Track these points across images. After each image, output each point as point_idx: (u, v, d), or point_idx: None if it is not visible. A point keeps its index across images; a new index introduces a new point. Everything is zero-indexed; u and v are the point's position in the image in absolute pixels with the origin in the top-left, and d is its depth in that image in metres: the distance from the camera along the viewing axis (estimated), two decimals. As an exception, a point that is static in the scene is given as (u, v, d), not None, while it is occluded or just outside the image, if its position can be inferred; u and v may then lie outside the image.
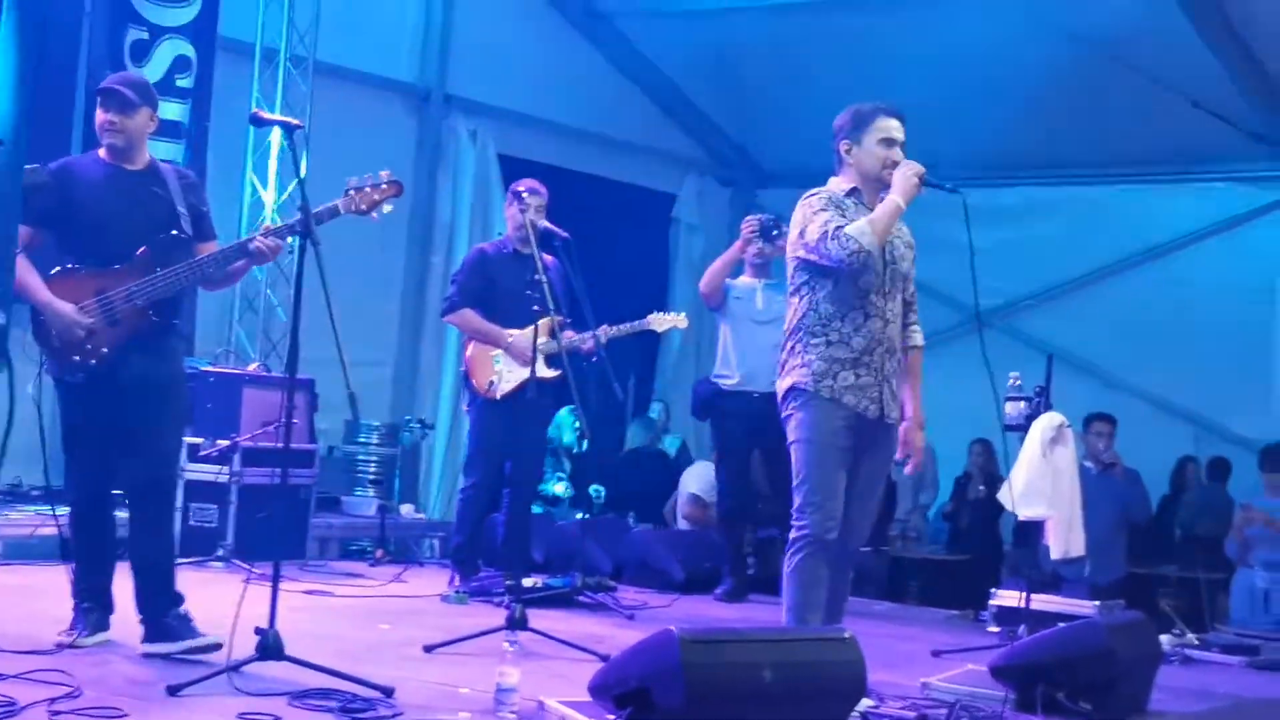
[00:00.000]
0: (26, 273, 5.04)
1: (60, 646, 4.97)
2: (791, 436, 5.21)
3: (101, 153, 5.27)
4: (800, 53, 11.39)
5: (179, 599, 5.14)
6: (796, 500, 5.15)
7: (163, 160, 5.54)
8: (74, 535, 5.28)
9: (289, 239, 5.21)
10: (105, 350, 5.07)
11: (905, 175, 5.18)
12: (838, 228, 5.10)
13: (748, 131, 13.33)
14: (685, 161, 13.37)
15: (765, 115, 12.47)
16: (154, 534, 5.21)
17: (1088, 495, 8.24)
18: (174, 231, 5.19)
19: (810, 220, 5.20)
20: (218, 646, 4.89)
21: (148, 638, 5.09)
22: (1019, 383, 7.11)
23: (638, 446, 11.39)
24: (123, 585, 5.21)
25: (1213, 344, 11.22)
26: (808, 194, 5.32)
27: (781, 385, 5.28)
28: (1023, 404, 7.04)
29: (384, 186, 5.40)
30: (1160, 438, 10.99)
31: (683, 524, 9.56)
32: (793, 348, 5.25)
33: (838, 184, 5.34)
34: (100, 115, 5.19)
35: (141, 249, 5.12)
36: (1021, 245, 12.17)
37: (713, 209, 13.53)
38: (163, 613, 5.10)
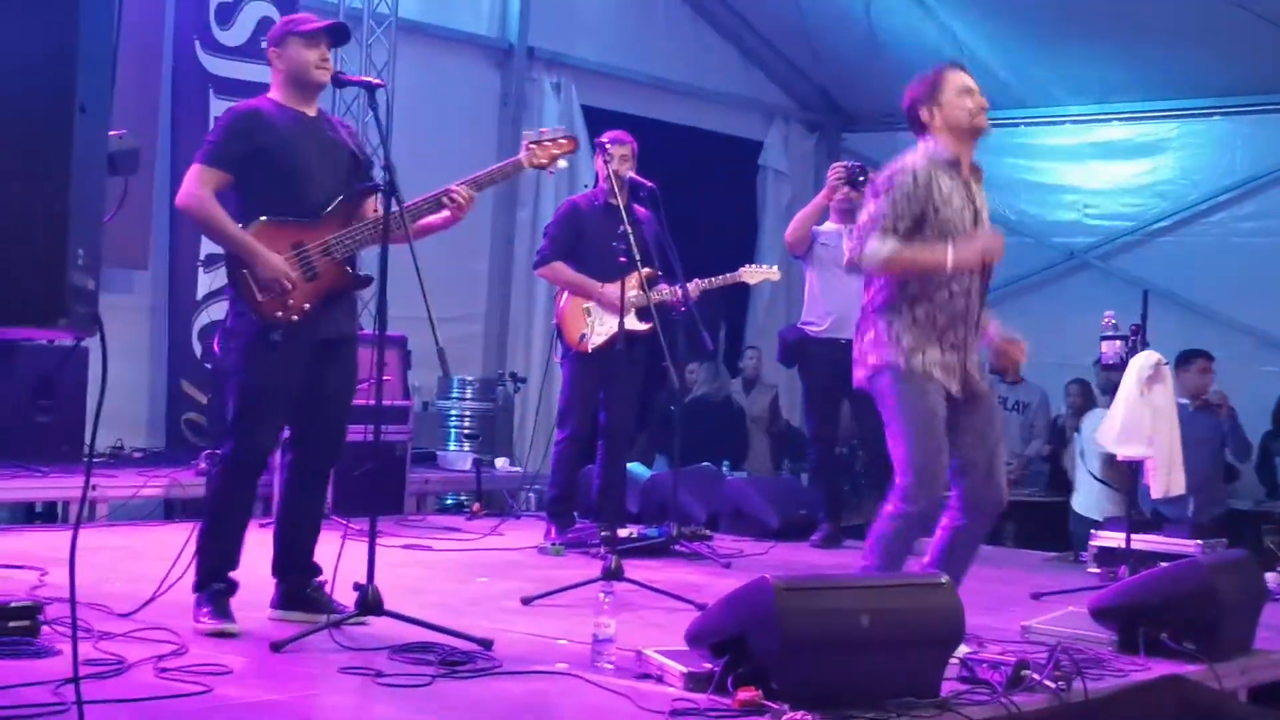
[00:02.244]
0: (225, 221, 4.87)
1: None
2: (887, 416, 5.07)
3: (276, 96, 5.05)
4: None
5: (318, 569, 5.07)
6: (900, 481, 4.99)
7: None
8: (222, 502, 4.98)
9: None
10: (307, 306, 4.88)
11: (976, 248, 5.00)
12: (863, 243, 4.96)
13: (831, 75, 13.22)
14: (770, 108, 13.28)
15: (848, 58, 12.36)
16: (318, 502, 5.18)
17: (1185, 433, 8.16)
18: (366, 182, 5.06)
19: (870, 202, 5.06)
20: (362, 622, 4.80)
21: (284, 604, 5.04)
22: (1114, 321, 7.01)
23: (701, 395, 11.35)
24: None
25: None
26: (896, 165, 5.09)
27: (866, 359, 5.13)
28: (1119, 343, 6.94)
29: (562, 141, 5.39)
30: (1264, 375, 10.80)
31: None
32: (877, 320, 5.11)
33: (936, 150, 5.09)
34: (318, 53, 4.98)
35: (337, 199, 4.98)
36: (1115, 181, 12.03)
37: (799, 155, 13.45)
38: (306, 583, 5.05)
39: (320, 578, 5.07)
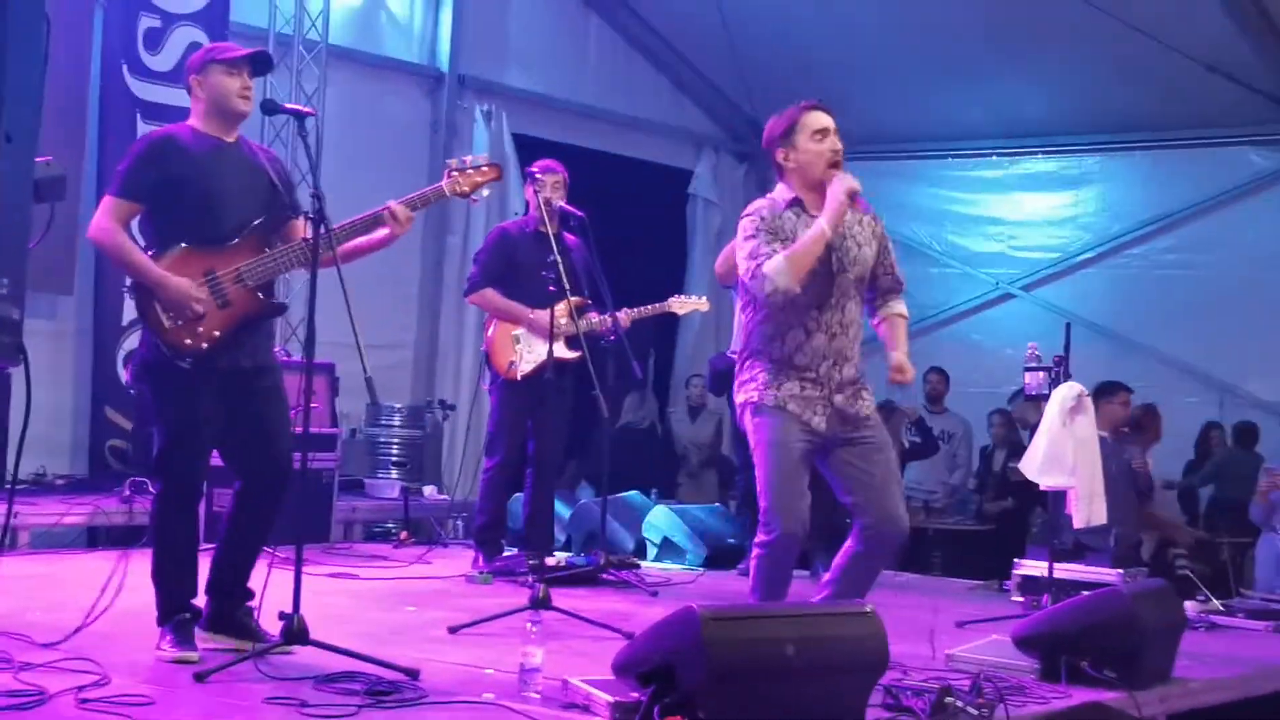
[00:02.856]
0: (131, 251, 4.84)
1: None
2: (752, 449, 5.22)
3: (195, 123, 4.99)
4: (812, 26, 11.37)
5: (251, 594, 5.00)
6: (762, 507, 5.14)
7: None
8: (165, 535, 4.95)
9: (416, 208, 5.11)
10: (217, 334, 4.83)
11: (835, 194, 5.07)
12: (758, 265, 5.04)
13: (761, 104, 13.25)
14: (700, 137, 13.37)
15: (779, 89, 12.36)
16: (263, 528, 5.06)
17: (1105, 466, 8.28)
18: (280, 209, 5.02)
19: (740, 248, 5.16)
20: (288, 651, 4.74)
21: (211, 626, 4.97)
22: (1038, 353, 7.10)
23: (626, 423, 11.39)
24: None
25: (1235, 309, 11.21)
26: (744, 212, 5.26)
27: (736, 399, 5.30)
28: (1042, 374, 7.02)
29: (484, 169, 5.35)
30: (1185, 404, 10.97)
31: None
32: (742, 366, 5.27)
33: (781, 192, 5.24)
34: (240, 82, 4.94)
35: (252, 225, 4.93)
36: (1040, 214, 12.18)
37: (728, 184, 13.54)
38: (237, 607, 4.99)
39: (251, 602, 5.03)
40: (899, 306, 5.44)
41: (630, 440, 11.18)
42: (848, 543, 5.25)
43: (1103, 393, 9.21)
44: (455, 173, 5.29)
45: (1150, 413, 9.55)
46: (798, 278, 5.02)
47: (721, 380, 8.58)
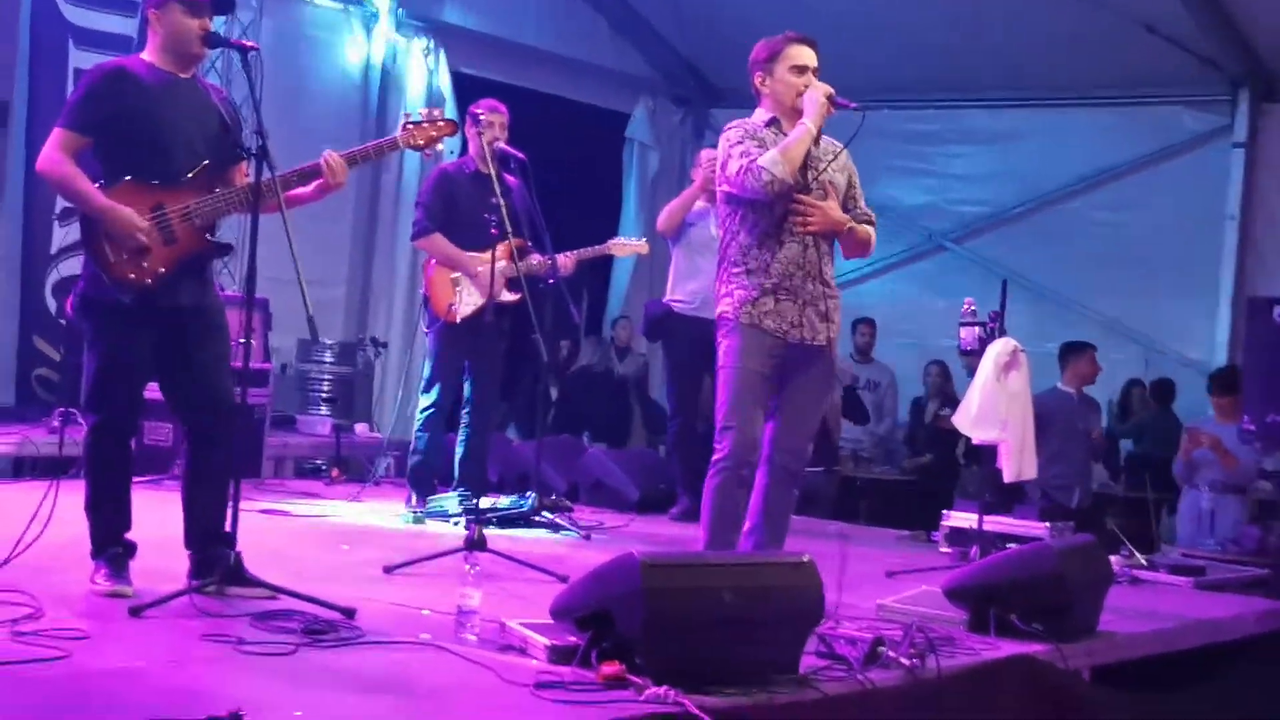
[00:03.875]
0: (77, 179, 4.78)
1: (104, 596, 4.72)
2: (718, 364, 5.44)
3: (149, 57, 4.92)
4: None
5: (231, 539, 4.85)
6: (717, 423, 5.38)
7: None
8: (99, 469, 4.92)
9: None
10: (162, 270, 4.79)
11: (813, 98, 5.34)
12: (751, 161, 5.26)
13: (700, 50, 13.27)
14: (638, 81, 13.29)
15: (717, 34, 12.39)
16: (217, 468, 4.98)
17: (1071, 422, 8.47)
18: (229, 149, 4.96)
19: (728, 154, 5.38)
20: (273, 597, 4.72)
21: (197, 574, 4.89)
22: (974, 308, 7.16)
23: (587, 365, 11.42)
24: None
25: (1163, 267, 11.33)
26: (727, 126, 5.51)
27: (715, 314, 5.53)
28: (977, 329, 7.09)
29: (441, 124, 5.42)
30: (1111, 361, 11.09)
31: None
32: (720, 279, 5.48)
33: (759, 115, 5.51)
34: (199, 23, 4.87)
35: (202, 164, 4.89)
36: (976, 168, 12.24)
37: (666, 128, 13.50)
38: (215, 552, 4.89)
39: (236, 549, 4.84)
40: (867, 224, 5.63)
41: (588, 384, 11.21)
42: (759, 479, 5.45)
43: (1071, 350, 9.40)
44: (411, 125, 5.34)
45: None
46: (791, 170, 5.26)
47: (656, 326, 8.61)
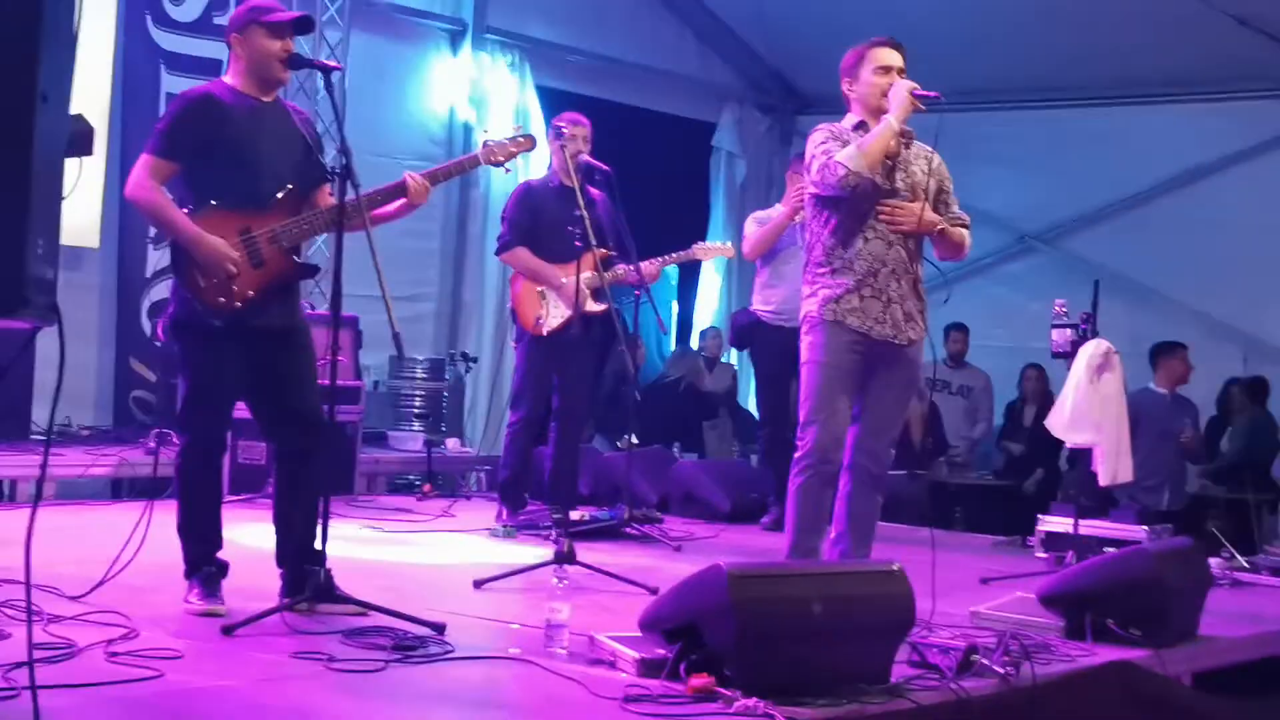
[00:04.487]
0: (167, 207, 4.84)
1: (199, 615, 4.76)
2: (802, 360, 5.46)
3: (233, 81, 4.98)
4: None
5: (321, 557, 4.86)
6: (800, 420, 5.41)
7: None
8: (190, 490, 4.99)
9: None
10: (251, 293, 4.85)
11: (896, 94, 5.34)
12: (830, 157, 5.28)
13: (785, 58, 13.23)
14: (724, 89, 13.27)
15: (803, 41, 12.35)
16: (308, 485, 5.01)
17: (1162, 424, 8.34)
18: (313, 172, 5.03)
19: (812, 155, 5.40)
20: (364, 613, 4.76)
21: (289, 592, 4.93)
22: (1065, 309, 7.07)
23: (677, 377, 11.41)
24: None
25: (1260, 264, 11.11)
26: (814, 129, 5.53)
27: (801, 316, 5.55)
28: (1069, 331, 7.00)
29: (520, 140, 5.50)
30: (1209, 360, 10.90)
31: None
32: (806, 279, 5.50)
33: (848, 120, 5.53)
34: (281, 44, 4.92)
35: (287, 188, 4.96)
36: (1067, 168, 12.08)
37: (752, 136, 13.46)
38: (307, 569, 4.89)
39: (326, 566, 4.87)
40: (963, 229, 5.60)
41: (666, 392, 11.20)
42: (841, 484, 5.46)
43: (1163, 351, 9.28)
44: (492, 144, 5.40)
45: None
46: (870, 164, 5.25)
47: (744, 335, 8.58)
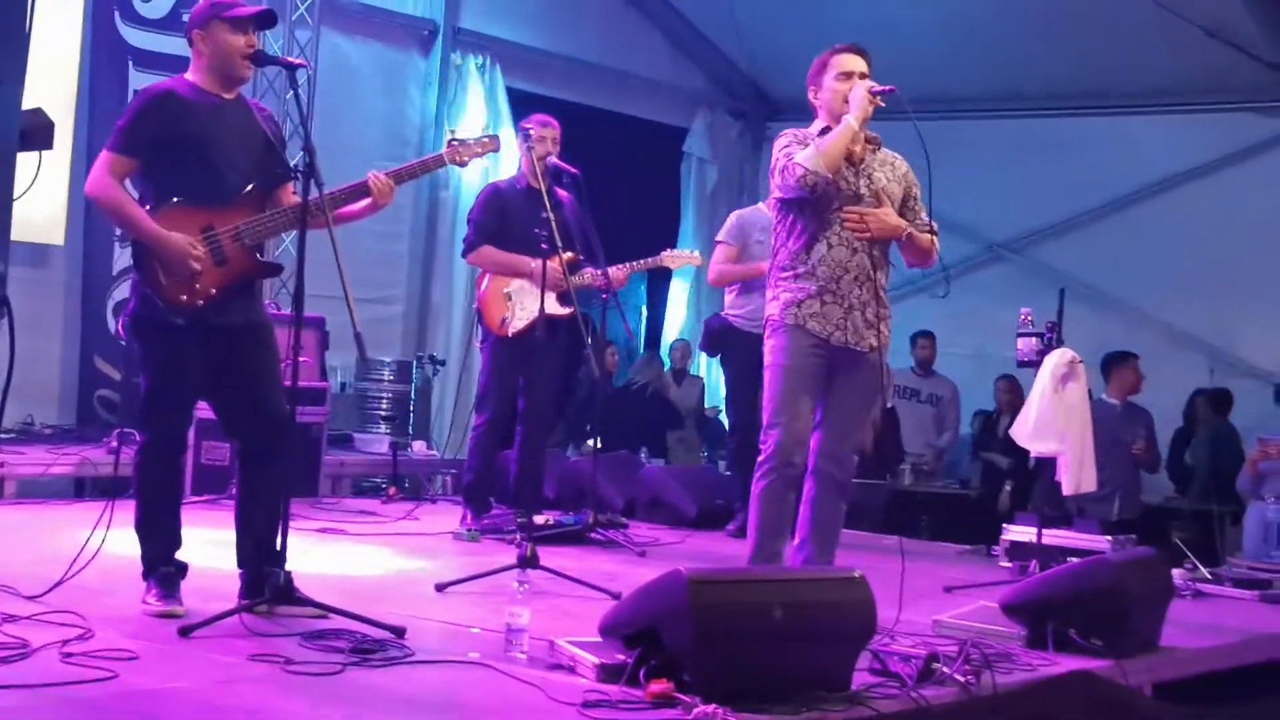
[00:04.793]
0: (128, 204, 4.81)
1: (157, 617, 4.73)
2: (765, 364, 5.47)
3: (194, 78, 4.93)
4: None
5: (282, 558, 4.78)
6: (763, 423, 5.41)
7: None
8: (149, 488, 4.94)
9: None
10: (213, 291, 4.80)
11: (855, 95, 5.34)
12: (789, 158, 5.29)
13: (758, 64, 13.24)
14: (696, 95, 13.28)
15: (775, 46, 12.35)
16: (270, 486, 4.95)
17: (1113, 433, 8.35)
18: (275, 169, 4.99)
19: (775, 159, 5.42)
20: (324, 616, 4.73)
21: (248, 594, 4.87)
22: (1030, 319, 7.08)
23: (644, 383, 11.42)
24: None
25: (1228, 275, 11.17)
26: (780, 134, 5.54)
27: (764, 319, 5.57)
28: (1034, 340, 7.01)
29: (485, 141, 5.52)
30: (1175, 370, 10.94)
31: None
32: (770, 283, 5.51)
33: (814, 126, 5.52)
34: (244, 39, 4.88)
35: (250, 185, 4.92)
36: (1036, 177, 12.11)
37: (724, 143, 13.47)
38: (266, 571, 4.84)
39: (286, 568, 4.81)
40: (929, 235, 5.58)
41: (633, 398, 11.19)
42: (805, 490, 5.46)
43: (1114, 360, 9.28)
44: (456, 143, 5.39)
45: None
46: (828, 164, 5.25)
47: (715, 340, 8.56)
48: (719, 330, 8.46)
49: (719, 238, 8.30)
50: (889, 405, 9.89)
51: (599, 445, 7.83)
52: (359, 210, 5.12)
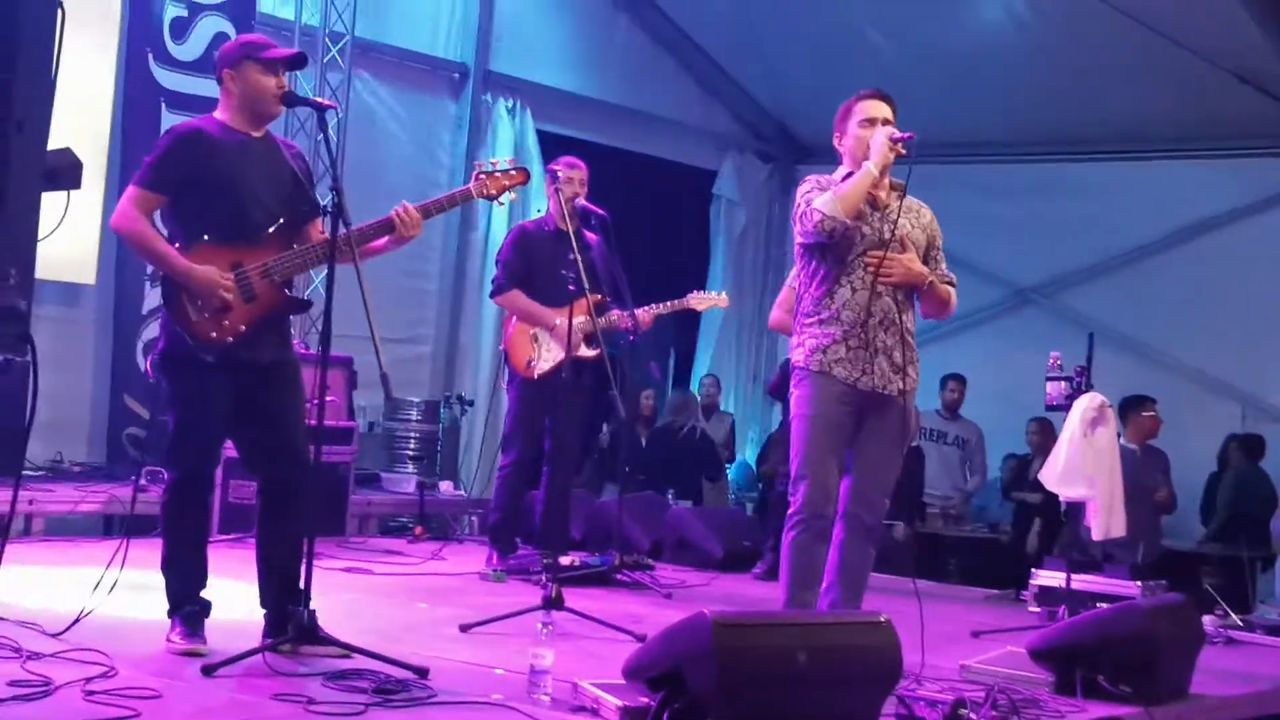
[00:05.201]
0: (154, 238, 4.83)
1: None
2: (791, 414, 5.40)
3: (223, 117, 4.96)
4: (838, 27, 11.34)
5: (305, 597, 4.76)
6: (791, 474, 5.32)
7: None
8: (175, 526, 4.94)
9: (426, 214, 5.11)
10: (243, 327, 4.81)
11: (875, 141, 5.29)
12: (808, 204, 5.25)
13: (786, 107, 13.28)
14: (725, 138, 13.31)
15: (803, 91, 12.39)
16: (291, 525, 4.94)
17: (1133, 478, 8.25)
18: (303, 206, 5.01)
19: (796, 204, 5.38)
20: (347, 656, 4.71)
21: (271, 632, 4.87)
22: (1060, 363, 7.05)
23: (670, 421, 11.39)
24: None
25: (1259, 321, 11.11)
26: (802, 180, 5.50)
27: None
28: (1064, 384, 6.97)
29: (513, 173, 5.40)
30: (1207, 416, 10.88)
31: None
32: (795, 329, 5.45)
33: (838, 172, 5.48)
34: (275, 81, 4.91)
35: (278, 222, 4.93)
36: (1065, 222, 12.08)
37: (753, 185, 13.49)
38: (290, 610, 4.80)
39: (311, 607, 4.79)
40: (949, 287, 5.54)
41: (667, 440, 11.14)
42: (835, 534, 5.36)
43: (1131, 405, 9.20)
44: (484, 175, 5.33)
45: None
46: (845, 210, 5.19)
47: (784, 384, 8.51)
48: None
49: (790, 282, 8.30)
50: (914, 444, 9.81)
51: (628, 487, 7.78)
52: (384, 244, 5.11)
